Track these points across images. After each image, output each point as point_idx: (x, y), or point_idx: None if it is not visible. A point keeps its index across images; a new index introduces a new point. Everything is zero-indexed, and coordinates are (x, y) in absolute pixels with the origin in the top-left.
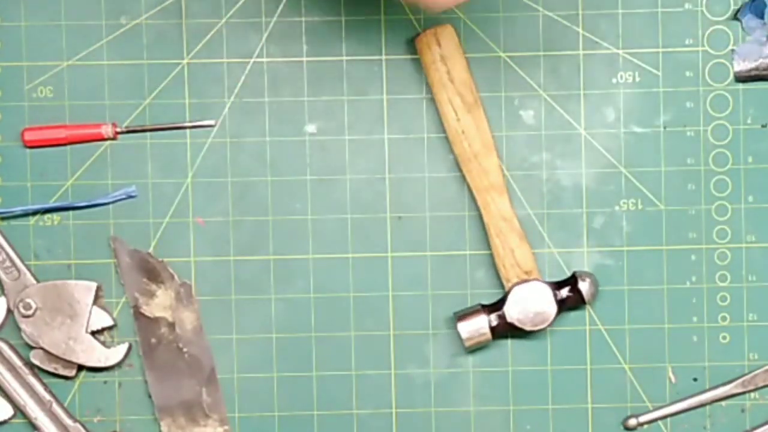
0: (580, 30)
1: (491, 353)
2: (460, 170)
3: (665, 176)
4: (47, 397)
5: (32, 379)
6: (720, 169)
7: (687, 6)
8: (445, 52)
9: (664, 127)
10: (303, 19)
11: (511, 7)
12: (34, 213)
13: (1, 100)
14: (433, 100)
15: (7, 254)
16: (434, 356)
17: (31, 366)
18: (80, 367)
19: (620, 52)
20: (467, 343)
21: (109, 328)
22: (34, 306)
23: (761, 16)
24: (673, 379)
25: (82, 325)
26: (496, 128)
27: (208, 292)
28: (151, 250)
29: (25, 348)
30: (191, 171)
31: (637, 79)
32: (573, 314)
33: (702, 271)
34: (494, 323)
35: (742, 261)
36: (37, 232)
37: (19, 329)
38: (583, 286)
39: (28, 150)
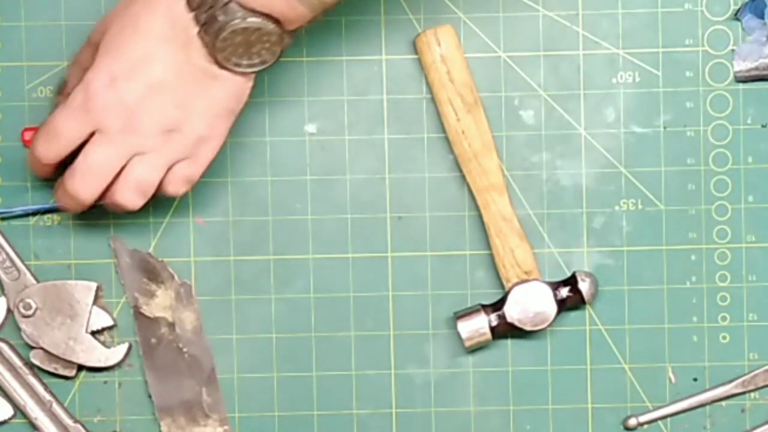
0: (580, 30)
1: (491, 353)
2: (460, 170)
3: (665, 176)
4: (47, 397)
5: (32, 379)
6: (720, 169)
7: (687, 6)
8: (445, 52)
9: (664, 127)
10: None
11: (511, 7)
12: (34, 213)
13: (1, 100)
14: (433, 100)
15: (7, 254)
16: (434, 356)
17: (31, 366)
18: (80, 367)
19: (620, 52)
20: (467, 343)
21: (109, 328)
22: (34, 306)
23: (761, 16)
24: (673, 379)
25: (82, 325)
26: (496, 128)
27: (208, 292)
28: (151, 250)
29: (25, 348)
30: None
31: (637, 79)
32: (573, 314)
33: (702, 271)
34: (494, 323)
35: (742, 261)
36: (37, 232)
37: (19, 329)
38: (583, 286)
39: (28, 150)
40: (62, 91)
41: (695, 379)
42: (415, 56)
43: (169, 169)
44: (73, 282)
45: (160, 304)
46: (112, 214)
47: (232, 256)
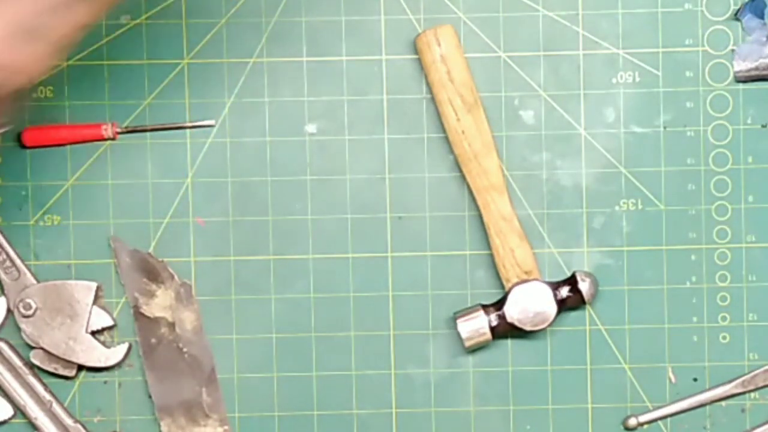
0: (580, 30)
1: (491, 353)
2: (460, 170)
3: (665, 176)
4: (47, 397)
5: (32, 379)
6: (720, 169)
7: (687, 6)
8: (445, 52)
9: (664, 127)
10: (303, 19)
11: (511, 7)
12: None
13: None
14: (433, 100)
15: (7, 254)
16: (434, 356)
17: (31, 366)
18: (80, 367)
19: (620, 52)
20: (467, 343)
21: (109, 328)
22: (34, 306)
23: (761, 16)
24: (673, 379)
25: (82, 325)
26: (496, 128)
27: (208, 292)
28: (151, 250)
29: (25, 348)
30: (191, 171)
31: (637, 79)
32: (573, 314)
33: (702, 271)
34: (494, 323)
35: (742, 261)
36: (37, 232)
37: (19, 329)
38: (583, 286)
39: (28, 150)
40: None
41: (695, 379)
42: (415, 56)
43: None
44: (73, 282)
45: (160, 304)
46: (112, 214)
47: (232, 256)
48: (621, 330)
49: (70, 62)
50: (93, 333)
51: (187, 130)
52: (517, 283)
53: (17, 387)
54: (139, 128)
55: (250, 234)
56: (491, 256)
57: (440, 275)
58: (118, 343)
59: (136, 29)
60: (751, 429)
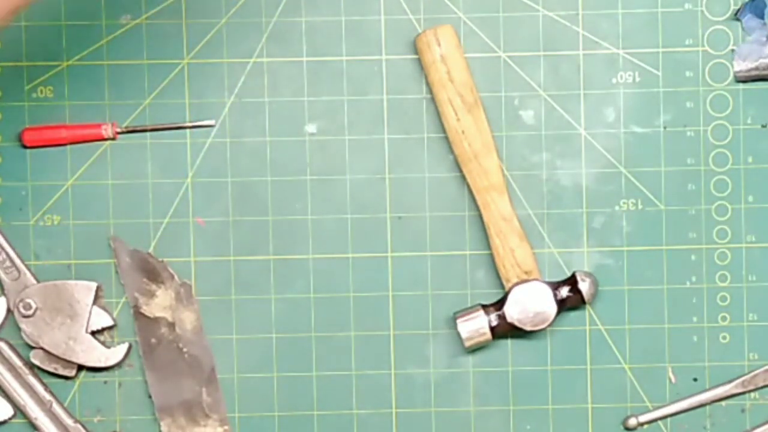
0: (580, 30)
1: (491, 353)
2: (460, 170)
3: (665, 176)
4: (47, 397)
5: (32, 379)
6: (720, 169)
7: (687, 6)
8: (445, 52)
9: (664, 127)
10: (303, 19)
11: (511, 7)
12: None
13: (1, 100)
14: (433, 100)
15: (7, 254)
16: (434, 356)
17: (31, 366)
18: (80, 367)
19: (620, 52)
20: (467, 343)
21: (109, 328)
22: (34, 306)
23: (761, 16)
24: (673, 379)
25: (82, 325)
26: (496, 128)
27: (208, 292)
28: (151, 250)
29: (25, 348)
30: (191, 171)
31: (637, 79)
32: (573, 314)
33: (702, 271)
34: (494, 323)
35: (742, 261)
36: (37, 232)
37: (19, 329)
38: (583, 286)
39: (28, 150)
40: None
41: (695, 379)
42: (415, 56)
43: None
44: (73, 282)
45: (160, 304)
46: (112, 214)
47: (232, 256)
48: (621, 330)
49: (70, 62)
50: (93, 333)
51: (187, 130)
52: (517, 283)
53: (17, 387)
54: (139, 128)
55: (250, 234)
56: (491, 256)
57: (440, 275)
58: (118, 343)
59: (136, 29)
60: (751, 429)
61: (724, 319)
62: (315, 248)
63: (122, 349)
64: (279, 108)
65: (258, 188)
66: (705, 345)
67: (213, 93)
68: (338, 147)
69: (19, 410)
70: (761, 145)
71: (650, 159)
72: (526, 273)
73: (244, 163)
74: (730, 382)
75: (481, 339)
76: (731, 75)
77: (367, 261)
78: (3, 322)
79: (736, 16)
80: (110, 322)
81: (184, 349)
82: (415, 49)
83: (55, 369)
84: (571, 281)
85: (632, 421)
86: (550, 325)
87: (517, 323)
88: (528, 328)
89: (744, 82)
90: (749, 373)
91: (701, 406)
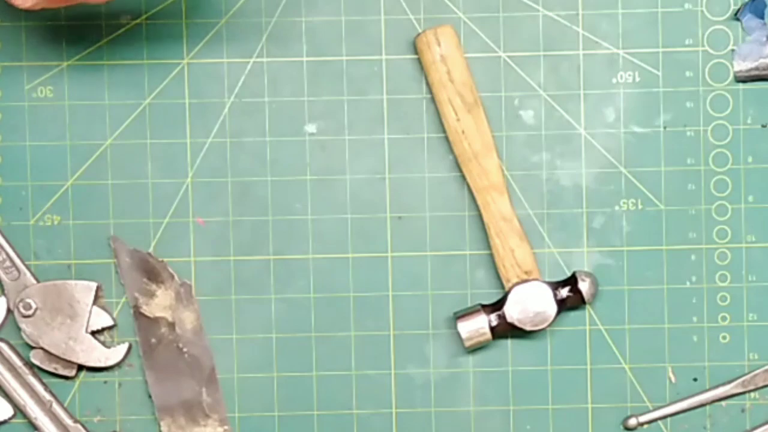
0: (580, 30)
1: (491, 353)
2: (460, 170)
3: (665, 176)
4: (47, 397)
5: (32, 379)
6: (720, 169)
7: (687, 6)
8: (445, 52)
9: (664, 127)
10: (303, 19)
11: (511, 7)
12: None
13: (1, 100)
14: (433, 100)
15: (7, 254)
16: (434, 356)
17: (31, 366)
18: (80, 367)
19: (620, 52)
20: (467, 343)
21: (109, 328)
22: (34, 306)
23: (761, 16)
24: (673, 379)
25: (82, 325)
26: (496, 128)
27: (208, 292)
28: (151, 250)
29: (25, 348)
30: (191, 171)
31: (637, 79)
32: (573, 314)
33: (702, 271)
34: (494, 323)
35: (742, 261)
36: (37, 232)
37: (19, 329)
38: (583, 286)
39: (28, 150)
40: None
41: (695, 379)
42: (415, 56)
43: None
44: (73, 282)
45: (160, 304)
46: (113, 214)
47: (232, 256)
48: (621, 330)
49: (70, 62)
50: (93, 333)
51: (187, 130)
52: (517, 283)
53: (17, 387)
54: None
55: (250, 234)
56: (491, 256)
57: (440, 275)
58: (118, 343)
59: (136, 29)
60: (751, 429)
61: (724, 319)
62: (315, 248)
63: (122, 349)
64: (279, 108)
65: (258, 188)
66: (705, 345)
67: (213, 93)
68: (338, 147)
69: (19, 410)
70: (761, 145)
71: (650, 159)
72: (526, 273)
73: (244, 163)
74: (730, 382)
75: (481, 339)
76: (731, 75)
77: (367, 261)
78: (3, 322)
79: (736, 16)
80: (110, 322)
81: (184, 349)
82: (415, 49)
83: (55, 369)
84: (571, 281)
85: (632, 421)
86: (550, 325)
87: (517, 323)
88: (528, 328)
89: (744, 82)
90: (749, 373)
91: (701, 406)
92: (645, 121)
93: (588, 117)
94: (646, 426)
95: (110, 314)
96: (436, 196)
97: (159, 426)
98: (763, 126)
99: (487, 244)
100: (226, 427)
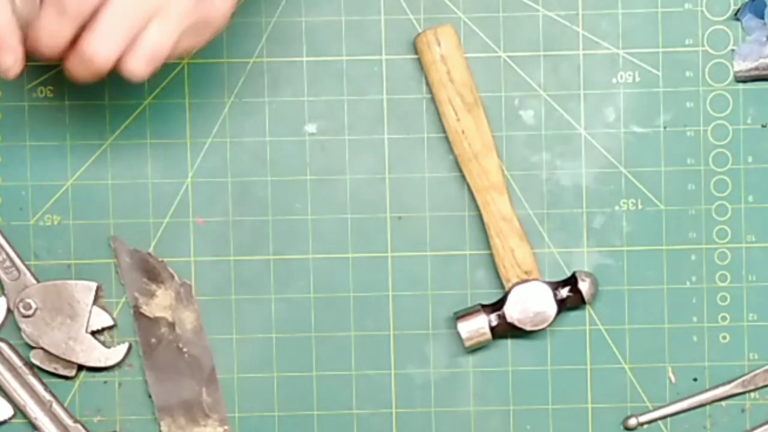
0: (580, 30)
1: (491, 353)
2: (460, 170)
3: (665, 176)
4: (47, 397)
5: (32, 379)
6: (720, 169)
7: (687, 6)
8: (445, 52)
9: (664, 127)
10: (303, 19)
11: (511, 7)
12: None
13: (1, 100)
14: (433, 100)
15: (7, 254)
16: (434, 356)
17: (31, 366)
18: (80, 367)
19: (620, 52)
20: (467, 343)
21: (109, 328)
22: (34, 306)
23: (761, 16)
24: (673, 379)
25: (82, 325)
26: (496, 128)
27: (208, 292)
28: (151, 250)
29: (25, 348)
30: (191, 171)
31: (637, 79)
32: (573, 314)
33: (702, 271)
34: (494, 323)
35: (742, 261)
36: (37, 232)
37: (19, 329)
38: (583, 286)
39: (28, 150)
40: None
41: (695, 379)
42: (415, 56)
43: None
44: (73, 282)
45: (160, 304)
46: (113, 214)
47: (232, 256)
48: (621, 330)
49: None
50: (93, 333)
51: (187, 130)
52: (517, 283)
53: (17, 387)
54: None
55: (250, 234)
56: (491, 256)
57: (440, 275)
58: (118, 343)
59: None
60: (751, 429)
61: (724, 319)
62: (315, 248)
63: (122, 349)
64: (279, 108)
65: (258, 188)
66: (705, 345)
67: (213, 93)
68: (338, 147)
69: (19, 410)
70: (761, 145)
71: (650, 159)
72: (526, 273)
73: (244, 163)
74: (730, 382)
75: (481, 339)
76: (731, 75)
77: (367, 261)
78: (3, 322)
79: (736, 16)
80: (110, 322)
81: (184, 349)
82: (415, 49)
83: (55, 369)
84: (571, 281)
85: (632, 421)
86: (550, 325)
87: (517, 323)
88: (528, 328)
89: (744, 82)
90: (749, 373)
91: (701, 406)
92: (645, 121)
93: (588, 117)
94: (646, 426)
95: (110, 314)
96: (436, 196)
97: (159, 426)
98: (763, 126)
99: (487, 244)
100: (226, 427)
